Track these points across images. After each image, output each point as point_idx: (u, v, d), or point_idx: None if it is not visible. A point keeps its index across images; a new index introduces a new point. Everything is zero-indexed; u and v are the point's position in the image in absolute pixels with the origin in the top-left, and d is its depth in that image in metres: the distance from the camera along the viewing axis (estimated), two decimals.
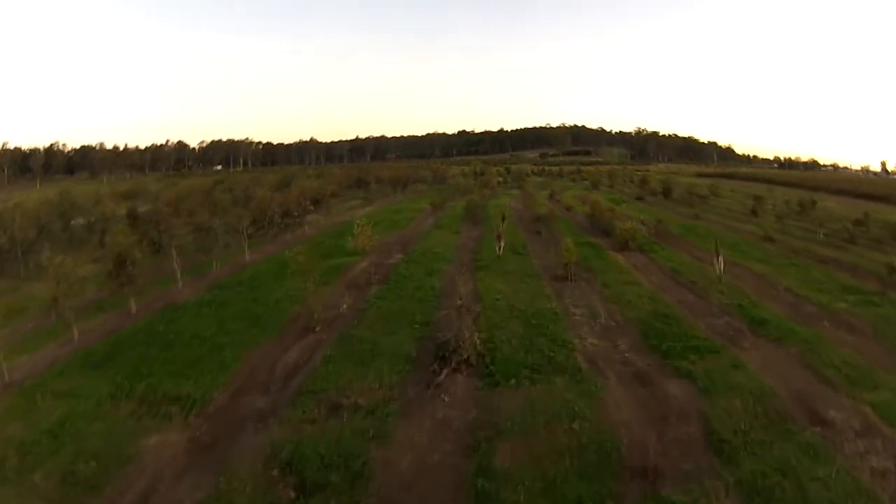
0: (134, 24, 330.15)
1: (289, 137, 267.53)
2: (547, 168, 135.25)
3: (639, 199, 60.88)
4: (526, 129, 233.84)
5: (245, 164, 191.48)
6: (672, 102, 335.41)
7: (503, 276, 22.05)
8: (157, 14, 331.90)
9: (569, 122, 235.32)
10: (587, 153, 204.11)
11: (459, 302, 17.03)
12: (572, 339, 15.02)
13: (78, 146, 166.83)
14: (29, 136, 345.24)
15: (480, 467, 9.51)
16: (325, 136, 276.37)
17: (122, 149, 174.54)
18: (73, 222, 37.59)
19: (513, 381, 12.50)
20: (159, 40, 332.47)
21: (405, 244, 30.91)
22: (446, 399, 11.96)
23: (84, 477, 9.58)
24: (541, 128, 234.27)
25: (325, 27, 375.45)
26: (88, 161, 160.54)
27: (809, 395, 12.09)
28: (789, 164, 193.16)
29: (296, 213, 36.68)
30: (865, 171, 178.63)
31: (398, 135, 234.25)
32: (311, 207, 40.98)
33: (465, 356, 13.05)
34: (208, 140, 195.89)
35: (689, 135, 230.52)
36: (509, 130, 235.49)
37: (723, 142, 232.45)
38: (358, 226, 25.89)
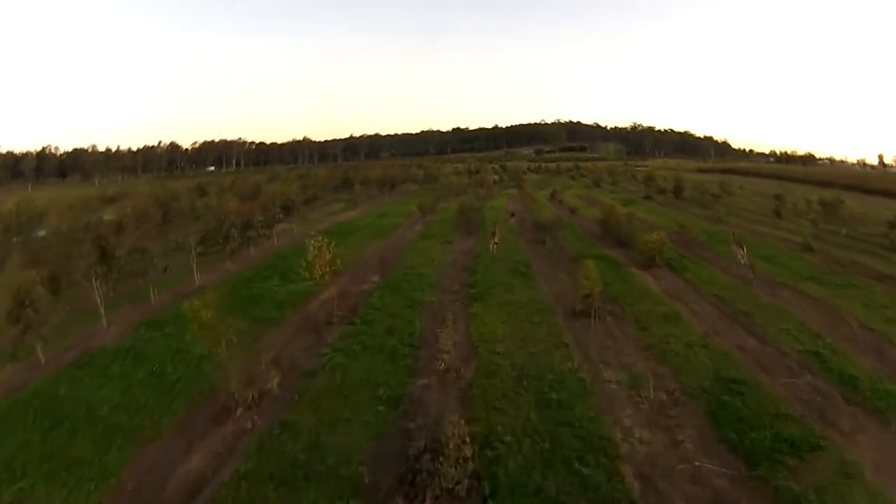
0: (127, 25, 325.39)
1: (282, 137, 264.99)
2: (543, 165, 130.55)
3: (647, 198, 55.85)
4: (521, 126, 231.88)
5: (238, 164, 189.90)
6: (667, 97, 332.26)
7: (504, 311, 17.07)
8: (150, 15, 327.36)
9: (564, 119, 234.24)
10: (583, 149, 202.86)
11: (443, 366, 12.10)
12: (612, 434, 10.06)
13: (70, 149, 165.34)
14: (21, 139, 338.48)
15: None
16: (319, 136, 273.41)
17: (114, 151, 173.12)
18: (34, 235, 34.07)
19: None
20: (153, 41, 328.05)
21: (385, 261, 25.92)
22: None
23: None
24: (536, 124, 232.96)
25: (320, 27, 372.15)
26: (80, 164, 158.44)
27: None
28: (786, 159, 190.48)
29: (259, 225, 31.46)
30: (862, 164, 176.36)
31: (393, 133, 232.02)
32: (281, 216, 35.77)
33: (449, 485, 8.09)
34: (201, 141, 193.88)
35: (686, 130, 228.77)
36: (504, 127, 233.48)
37: (719, 136, 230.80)
38: (313, 246, 17.82)
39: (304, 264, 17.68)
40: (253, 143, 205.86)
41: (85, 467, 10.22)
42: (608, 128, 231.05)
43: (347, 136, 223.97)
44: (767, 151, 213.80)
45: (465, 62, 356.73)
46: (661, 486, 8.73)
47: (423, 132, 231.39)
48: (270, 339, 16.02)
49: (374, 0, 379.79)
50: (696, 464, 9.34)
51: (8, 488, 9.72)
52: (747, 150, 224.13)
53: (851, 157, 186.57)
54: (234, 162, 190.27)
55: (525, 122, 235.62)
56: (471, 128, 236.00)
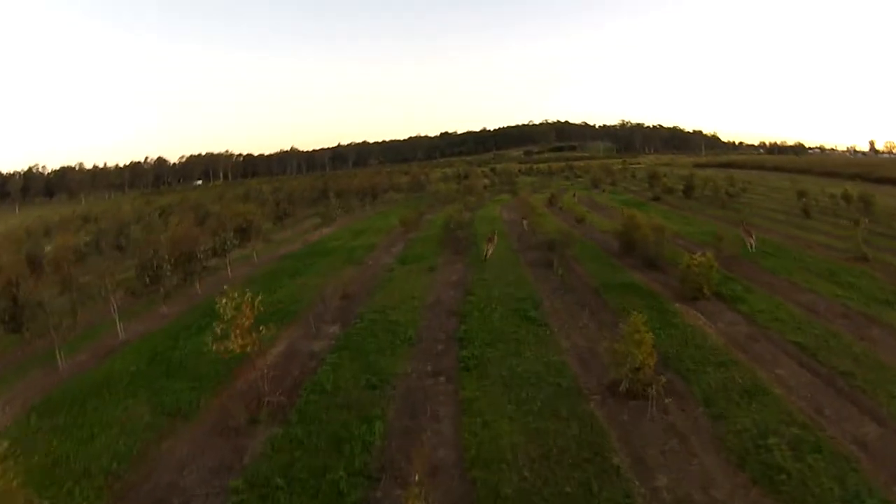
0: (109, 41, 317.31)
1: (270, 148, 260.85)
2: (534, 166, 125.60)
3: (655, 199, 50.51)
4: (509, 128, 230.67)
5: (225, 176, 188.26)
6: (654, 93, 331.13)
7: (511, 396, 11.36)
8: (133, 30, 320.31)
9: (552, 119, 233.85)
10: (572, 148, 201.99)
11: None
12: None
13: (57, 167, 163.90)
14: (7, 159, 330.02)
15: None
16: (306, 145, 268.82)
17: (101, 168, 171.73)
18: None
19: None
20: (137, 56, 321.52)
21: (350, 299, 20.26)
22: None
23: None
24: (524, 125, 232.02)
25: (305, 37, 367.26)
26: (67, 182, 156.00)
27: None
28: (777, 149, 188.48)
29: (205, 256, 25.75)
30: (853, 151, 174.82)
31: (381, 140, 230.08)
32: (236, 242, 30.05)
33: None
34: (188, 154, 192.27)
35: (674, 125, 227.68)
36: (492, 130, 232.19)
37: (708, 130, 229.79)
38: (227, 304, 11.25)
39: (217, 331, 11.88)
40: (240, 154, 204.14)
41: None
42: (597, 126, 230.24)
43: (335, 144, 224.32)
44: (757, 143, 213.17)
45: (451, 66, 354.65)
46: None
47: (411, 138, 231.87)
48: (168, 451, 10.38)
49: (358, 8, 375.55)
50: None
51: None
52: (737, 142, 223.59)
53: (841, 145, 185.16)
54: (221, 175, 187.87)
55: (513, 123, 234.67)
56: (459, 131, 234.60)
